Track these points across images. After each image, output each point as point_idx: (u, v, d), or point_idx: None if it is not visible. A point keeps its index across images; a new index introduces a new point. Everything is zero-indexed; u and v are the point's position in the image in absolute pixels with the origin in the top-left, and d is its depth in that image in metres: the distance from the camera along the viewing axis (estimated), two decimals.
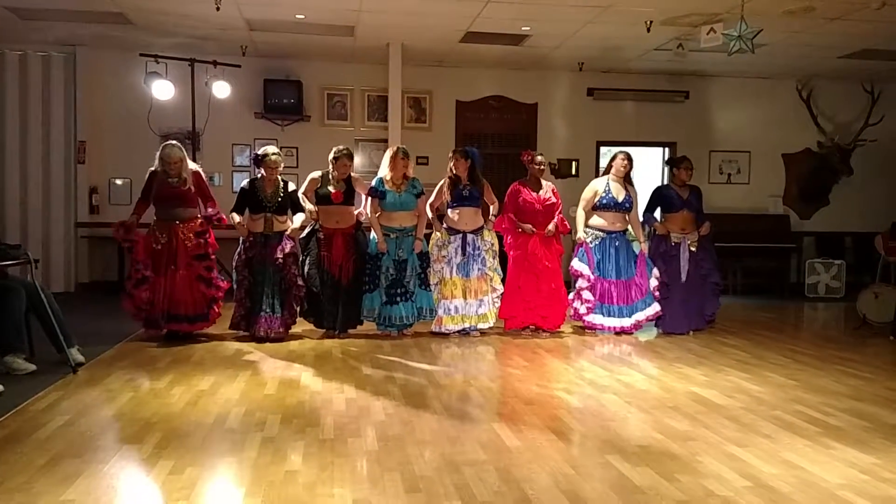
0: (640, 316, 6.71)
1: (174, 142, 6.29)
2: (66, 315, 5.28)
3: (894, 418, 4.14)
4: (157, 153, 6.19)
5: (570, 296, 6.75)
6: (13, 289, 4.99)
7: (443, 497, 2.92)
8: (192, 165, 6.31)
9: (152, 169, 6.21)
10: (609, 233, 6.71)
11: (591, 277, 6.61)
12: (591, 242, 6.72)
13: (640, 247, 6.82)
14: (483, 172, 6.65)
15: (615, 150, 7.14)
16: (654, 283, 6.72)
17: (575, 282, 6.71)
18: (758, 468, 3.29)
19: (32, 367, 4.92)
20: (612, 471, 3.25)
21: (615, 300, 6.70)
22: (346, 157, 6.32)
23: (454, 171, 6.46)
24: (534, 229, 6.57)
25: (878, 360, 5.85)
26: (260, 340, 6.10)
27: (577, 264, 6.67)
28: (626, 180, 6.77)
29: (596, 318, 6.67)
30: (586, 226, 6.79)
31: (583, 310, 6.64)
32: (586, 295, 6.63)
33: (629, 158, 6.76)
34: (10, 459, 3.29)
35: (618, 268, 6.69)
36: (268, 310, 6.13)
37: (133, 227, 6.10)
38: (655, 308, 6.70)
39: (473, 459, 3.35)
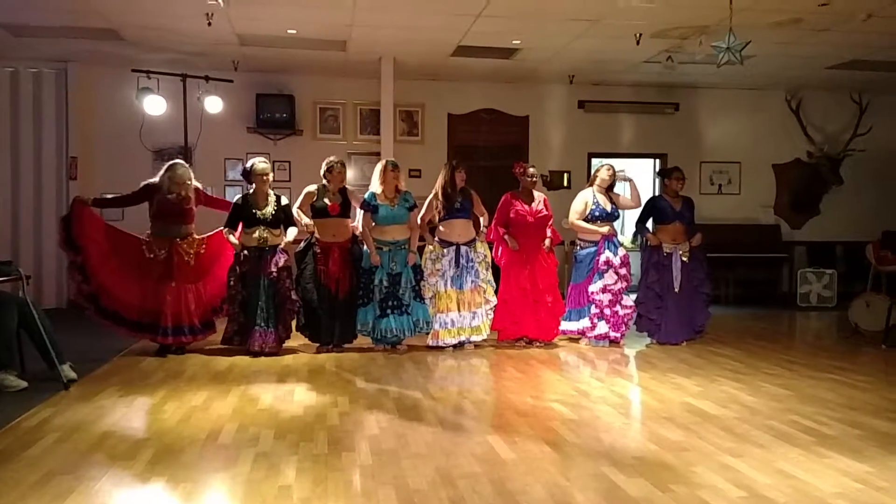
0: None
1: (182, 161, 6.33)
2: (58, 331, 5.25)
3: (888, 427, 4.15)
4: (165, 172, 6.16)
5: (586, 317, 6.74)
6: (4, 305, 4.97)
7: None
8: (193, 182, 6.31)
9: (153, 182, 6.19)
10: (597, 243, 6.73)
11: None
12: (583, 255, 6.76)
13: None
14: (473, 185, 6.68)
15: (603, 160, 7.21)
16: (595, 287, 6.67)
17: (592, 303, 6.68)
18: (752, 478, 3.29)
19: (24, 383, 4.90)
20: (606, 482, 3.24)
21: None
22: (339, 165, 6.35)
23: (454, 184, 6.45)
24: (516, 245, 6.58)
25: (870, 369, 5.88)
26: (254, 355, 6.07)
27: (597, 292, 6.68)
28: (609, 190, 6.84)
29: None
30: (579, 239, 6.85)
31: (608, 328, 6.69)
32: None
33: (613, 169, 6.88)
34: (2, 476, 3.26)
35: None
36: (262, 324, 6.11)
37: (80, 203, 6.16)
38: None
39: (468, 472, 3.35)
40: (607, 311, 6.64)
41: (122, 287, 6.08)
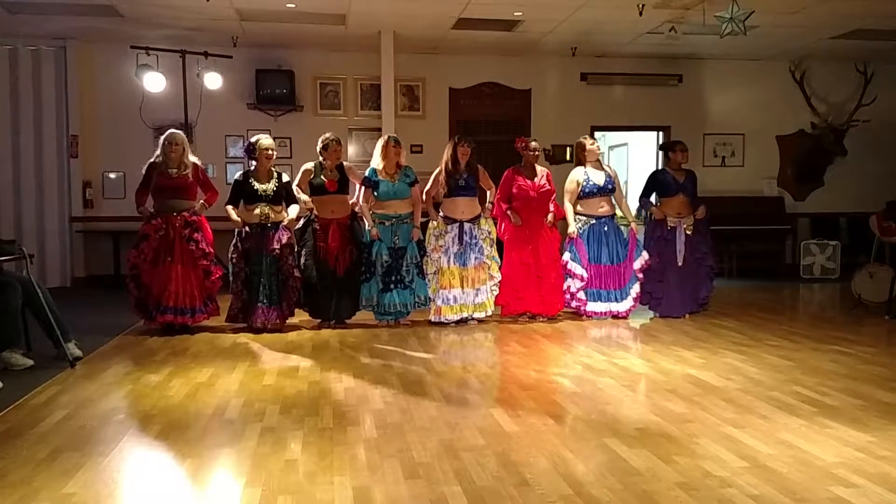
0: (629, 300, 6.74)
1: (176, 130, 6.31)
2: (63, 310, 5.27)
3: (889, 397, 4.17)
4: (160, 145, 6.17)
5: (564, 287, 6.73)
6: (9, 284, 4.99)
7: (442, 483, 2.93)
8: (191, 158, 6.29)
9: (151, 161, 6.20)
10: (598, 218, 6.71)
11: (585, 277, 6.61)
12: (580, 229, 6.71)
13: (631, 225, 6.79)
14: (475, 159, 6.65)
15: (589, 136, 7.15)
16: (638, 264, 6.69)
17: (567, 277, 6.70)
18: (755, 448, 3.31)
19: (30, 362, 4.93)
20: (609, 453, 3.27)
21: (609, 285, 6.72)
22: (334, 142, 6.32)
23: (456, 159, 6.40)
24: (519, 221, 6.55)
25: (873, 340, 5.89)
26: (258, 331, 6.10)
27: (570, 265, 6.64)
28: (599, 162, 6.80)
29: (592, 307, 6.69)
30: (578, 214, 6.82)
31: (574, 305, 6.69)
32: (580, 296, 6.65)
33: (596, 140, 6.83)
34: (10, 454, 3.30)
35: (609, 252, 6.69)
36: (265, 301, 6.13)
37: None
38: (637, 290, 6.74)
39: (472, 445, 3.37)
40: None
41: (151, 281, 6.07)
